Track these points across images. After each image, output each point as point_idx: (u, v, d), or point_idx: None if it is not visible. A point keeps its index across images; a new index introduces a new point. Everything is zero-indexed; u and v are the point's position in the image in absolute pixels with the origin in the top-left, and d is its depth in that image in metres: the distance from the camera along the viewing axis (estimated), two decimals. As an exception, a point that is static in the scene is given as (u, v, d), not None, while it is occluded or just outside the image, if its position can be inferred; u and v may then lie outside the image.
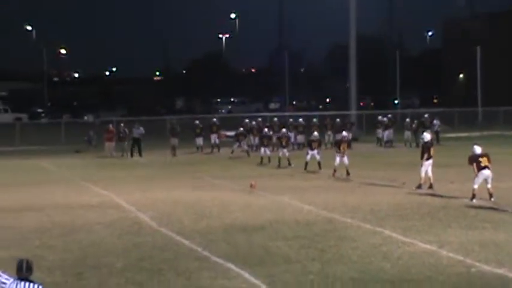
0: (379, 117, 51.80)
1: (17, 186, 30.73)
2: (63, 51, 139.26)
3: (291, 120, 50.50)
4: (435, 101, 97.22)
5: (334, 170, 31.98)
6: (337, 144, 33.57)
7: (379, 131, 50.27)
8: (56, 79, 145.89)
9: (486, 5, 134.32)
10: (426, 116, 51.91)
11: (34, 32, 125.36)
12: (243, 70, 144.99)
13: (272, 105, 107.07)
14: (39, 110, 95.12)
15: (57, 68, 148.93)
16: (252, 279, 14.75)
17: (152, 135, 49.50)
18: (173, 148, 44.97)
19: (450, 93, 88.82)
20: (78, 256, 17.16)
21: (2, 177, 34.33)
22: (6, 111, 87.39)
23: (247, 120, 48.91)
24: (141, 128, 45.80)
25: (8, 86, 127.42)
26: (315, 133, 37.22)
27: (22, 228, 20.70)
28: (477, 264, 15.71)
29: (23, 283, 9.26)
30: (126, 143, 45.43)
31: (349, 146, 35.11)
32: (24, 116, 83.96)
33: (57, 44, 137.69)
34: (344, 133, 35.78)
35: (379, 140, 50.01)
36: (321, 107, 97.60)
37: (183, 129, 49.16)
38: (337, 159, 32.02)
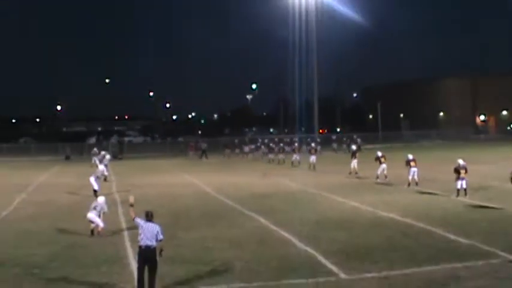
0: (333, 137, 51.94)
1: (148, 175, 30.31)
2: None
3: (288, 140, 50.26)
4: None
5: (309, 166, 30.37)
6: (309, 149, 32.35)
7: (335, 145, 49.43)
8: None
9: (393, 76, 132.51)
10: (355, 136, 51.81)
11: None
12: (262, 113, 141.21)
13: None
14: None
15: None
16: (266, 222, 14.90)
17: (213, 148, 49.67)
18: (228, 154, 44.68)
19: (366, 125, 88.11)
20: (175, 210, 17.34)
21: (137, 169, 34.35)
22: None
23: (260, 140, 49.05)
24: (205, 144, 46.31)
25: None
26: (313, 144, 36.14)
27: (147, 195, 20.49)
28: (380, 212, 15.83)
29: (149, 223, 9.29)
30: (200, 151, 45.77)
31: (316, 151, 33.94)
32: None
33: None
34: (313, 144, 35.42)
35: (335, 149, 48.20)
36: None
37: (226, 144, 48.63)
38: (311, 158, 30.89)
